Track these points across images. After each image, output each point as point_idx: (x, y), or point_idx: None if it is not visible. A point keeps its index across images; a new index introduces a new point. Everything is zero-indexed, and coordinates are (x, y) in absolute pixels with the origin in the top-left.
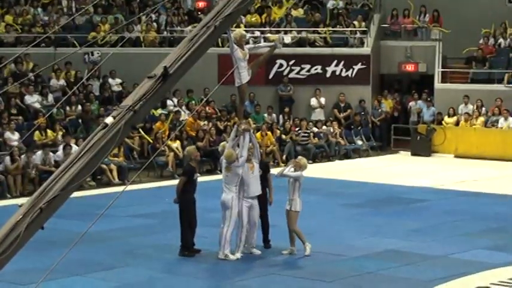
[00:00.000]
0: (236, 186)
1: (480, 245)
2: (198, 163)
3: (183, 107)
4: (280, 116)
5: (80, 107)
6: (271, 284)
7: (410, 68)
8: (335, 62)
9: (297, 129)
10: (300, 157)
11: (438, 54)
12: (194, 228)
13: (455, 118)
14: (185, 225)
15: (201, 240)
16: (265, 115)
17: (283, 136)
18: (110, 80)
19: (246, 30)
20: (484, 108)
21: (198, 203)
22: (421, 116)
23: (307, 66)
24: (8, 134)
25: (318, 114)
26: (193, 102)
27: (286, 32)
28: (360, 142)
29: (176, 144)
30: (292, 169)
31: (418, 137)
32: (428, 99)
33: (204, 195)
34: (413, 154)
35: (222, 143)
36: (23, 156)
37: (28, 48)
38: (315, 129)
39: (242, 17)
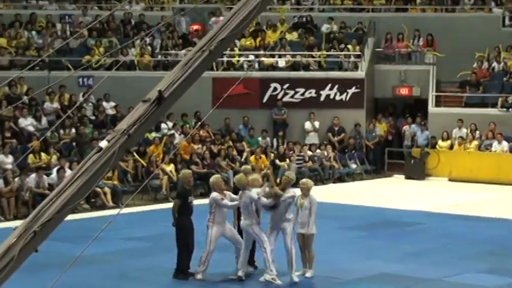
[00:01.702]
0: (252, 212)
1: (475, 268)
2: (191, 187)
3: (178, 131)
4: (274, 140)
5: (74, 130)
6: None
7: (404, 91)
8: (329, 85)
9: (290, 152)
10: (304, 180)
11: (432, 78)
12: (191, 251)
13: (449, 142)
14: (182, 248)
15: (195, 262)
16: (260, 138)
17: (277, 161)
18: (104, 104)
19: (240, 54)
20: (477, 132)
21: (194, 226)
22: (415, 139)
23: (302, 90)
24: (1, 157)
25: (312, 138)
26: (188, 125)
27: (280, 56)
28: (354, 166)
29: (170, 168)
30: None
31: (412, 161)
32: (423, 123)
33: (200, 218)
34: (407, 178)
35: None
36: (16, 179)
37: (22, 72)
38: (309, 153)
39: (237, 40)
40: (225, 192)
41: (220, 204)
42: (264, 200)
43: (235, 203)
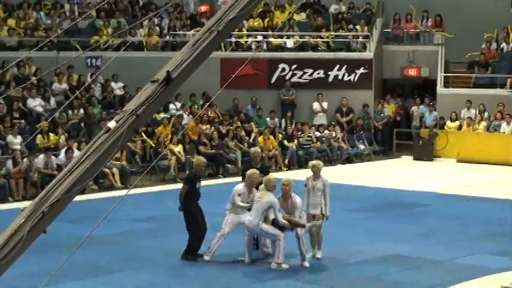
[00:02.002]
0: (263, 215)
1: (483, 250)
2: (201, 173)
3: (186, 111)
4: (283, 120)
5: (82, 111)
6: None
7: (412, 72)
8: (337, 66)
9: (299, 133)
10: (314, 162)
11: (441, 58)
12: (204, 233)
13: (457, 123)
14: (193, 231)
15: (206, 244)
16: (268, 119)
17: (285, 142)
18: (113, 84)
19: (248, 35)
20: (486, 113)
21: (203, 208)
22: (423, 120)
23: (310, 71)
24: (10, 138)
25: (320, 119)
26: (196, 106)
27: (288, 37)
28: (362, 146)
29: (178, 148)
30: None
31: (421, 142)
32: (431, 103)
33: (208, 199)
34: (415, 159)
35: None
36: (25, 159)
37: (31, 52)
38: (317, 134)
39: (245, 21)
40: (253, 189)
41: (233, 200)
42: (281, 218)
43: (246, 205)
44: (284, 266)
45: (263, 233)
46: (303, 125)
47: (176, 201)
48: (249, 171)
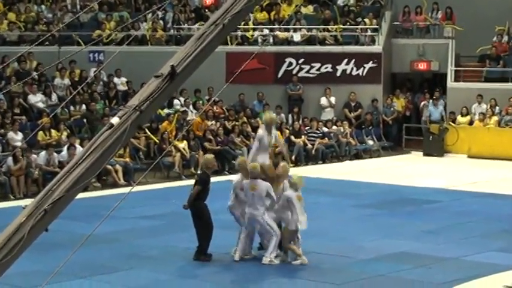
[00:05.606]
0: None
1: (493, 247)
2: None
3: (190, 107)
4: (290, 116)
5: (84, 107)
6: (282, 286)
7: (422, 66)
8: (346, 60)
9: (306, 128)
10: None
11: (451, 52)
12: (211, 233)
13: (468, 117)
14: (200, 230)
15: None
16: (274, 115)
17: (292, 138)
18: (115, 79)
19: (254, 28)
20: (497, 108)
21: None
22: (426, 116)
23: (317, 65)
24: (11, 134)
25: (328, 114)
26: (201, 102)
27: (295, 30)
28: (371, 142)
29: (183, 145)
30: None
31: (431, 137)
32: (434, 97)
33: (213, 196)
34: (425, 154)
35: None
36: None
37: (32, 47)
38: (325, 129)
39: (250, 14)
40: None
41: (237, 194)
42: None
43: None
44: (276, 261)
45: (265, 223)
46: (311, 121)
47: (181, 198)
48: (237, 160)
